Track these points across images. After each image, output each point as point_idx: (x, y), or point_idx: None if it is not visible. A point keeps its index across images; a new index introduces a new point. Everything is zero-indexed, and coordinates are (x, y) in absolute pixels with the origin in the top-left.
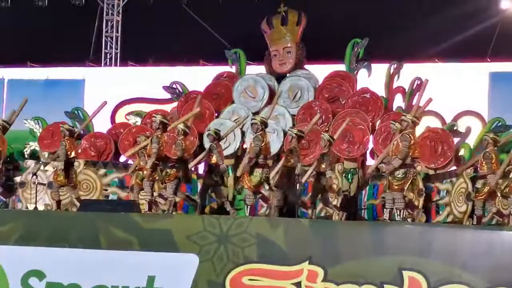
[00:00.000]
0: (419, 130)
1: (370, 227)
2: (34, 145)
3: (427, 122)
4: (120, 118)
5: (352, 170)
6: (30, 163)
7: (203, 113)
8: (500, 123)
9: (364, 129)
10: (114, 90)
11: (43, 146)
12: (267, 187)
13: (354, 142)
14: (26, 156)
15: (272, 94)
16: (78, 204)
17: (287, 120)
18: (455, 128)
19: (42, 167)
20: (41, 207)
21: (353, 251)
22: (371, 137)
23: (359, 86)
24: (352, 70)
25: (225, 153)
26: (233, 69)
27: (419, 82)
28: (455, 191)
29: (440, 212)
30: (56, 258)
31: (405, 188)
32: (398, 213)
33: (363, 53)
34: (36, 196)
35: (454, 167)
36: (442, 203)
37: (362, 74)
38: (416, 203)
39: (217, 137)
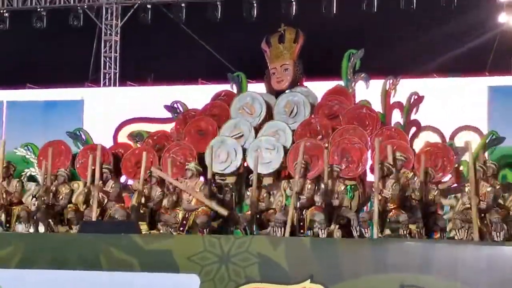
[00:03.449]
0: (418, 145)
1: (371, 244)
2: (29, 171)
3: (427, 137)
4: (123, 137)
5: (352, 186)
6: (31, 185)
7: (204, 129)
8: (494, 136)
9: (362, 148)
10: (113, 110)
11: (40, 165)
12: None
13: (353, 162)
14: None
15: (269, 111)
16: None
17: (288, 135)
18: (453, 147)
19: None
20: (41, 229)
21: (354, 268)
22: (369, 153)
23: (357, 98)
24: (349, 81)
25: (227, 171)
26: (234, 90)
27: (416, 97)
28: (459, 206)
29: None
30: (57, 280)
31: None
32: None
33: (360, 64)
34: (36, 218)
35: (455, 184)
36: (445, 218)
37: (360, 86)
38: None
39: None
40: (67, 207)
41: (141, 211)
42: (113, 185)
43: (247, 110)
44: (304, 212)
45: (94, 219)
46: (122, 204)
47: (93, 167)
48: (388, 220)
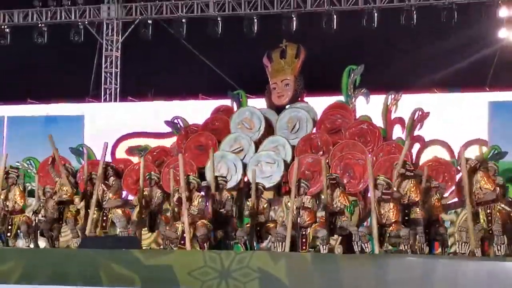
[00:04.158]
0: (426, 158)
1: (372, 260)
2: (30, 186)
3: (435, 151)
4: (120, 152)
5: (353, 201)
6: (31, 201)
7: (204, 144)
8: (496, 151)
9: (365, 164)
10: (114, 125)
11: (40, 181)
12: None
13: (355, 177)
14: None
15: (268, 125)
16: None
17: (287, 150)
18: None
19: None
20: (42, 245)
21: (355, 284)
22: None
23: (358, 114)
24: (350, 97)
25: (227, 186)
26: (234, 108)
27: (420, 113)
28: (459, 221)
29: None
30: None
31: None
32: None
33: (360, 80)
34: (37, 234)
35: (455, 199)
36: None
37: (360, 102)
38: None
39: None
40: (69, 207)
41: (142, 216)
42: (113, 182)
43: (246, 125)
44: (307, 230)
45: (92, 215)
46: (124, 210)
47: (89, 174)
48: (388, 235)
